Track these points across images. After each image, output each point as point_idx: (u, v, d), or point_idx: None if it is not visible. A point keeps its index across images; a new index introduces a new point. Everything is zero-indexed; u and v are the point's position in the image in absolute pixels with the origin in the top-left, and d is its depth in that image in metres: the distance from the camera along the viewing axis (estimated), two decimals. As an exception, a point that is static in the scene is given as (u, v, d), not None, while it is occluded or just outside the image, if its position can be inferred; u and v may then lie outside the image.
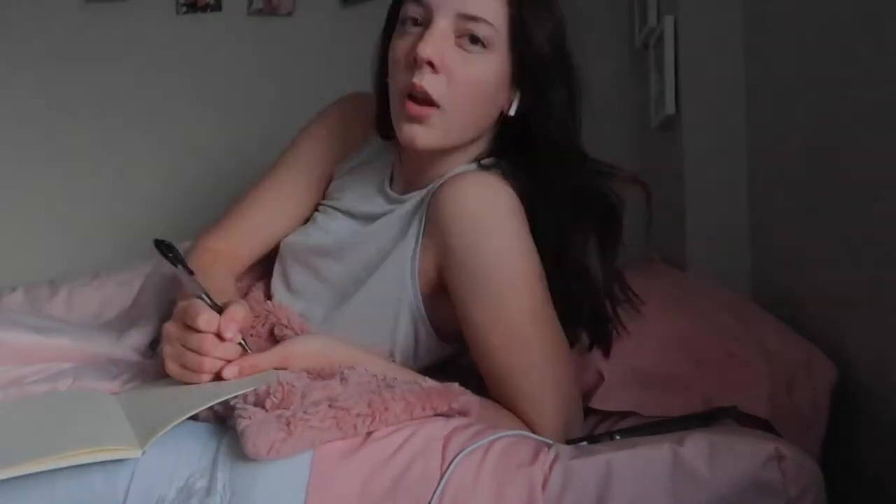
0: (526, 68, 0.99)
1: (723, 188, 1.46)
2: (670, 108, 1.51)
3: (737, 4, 1.45)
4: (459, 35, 0.95)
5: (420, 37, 0.95)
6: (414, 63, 0.95)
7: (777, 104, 1.33)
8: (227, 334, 0.84)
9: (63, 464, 0.72)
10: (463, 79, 0.96)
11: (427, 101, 0.96)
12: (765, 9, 1.37)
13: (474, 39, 0.95)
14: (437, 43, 0.94)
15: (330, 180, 1.17)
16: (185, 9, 1.95)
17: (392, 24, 1.02)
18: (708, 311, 1.13)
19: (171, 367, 0.86)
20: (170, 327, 0.87)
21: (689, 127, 1.48)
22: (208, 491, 0.73)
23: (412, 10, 0.97)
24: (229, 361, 0.86)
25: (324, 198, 1.16)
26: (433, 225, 0.98)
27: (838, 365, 1.03)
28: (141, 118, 1.95)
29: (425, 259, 0.99)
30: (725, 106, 1.46)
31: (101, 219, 1.94)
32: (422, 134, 0.98)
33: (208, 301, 0.87)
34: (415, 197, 1.04)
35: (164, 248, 0.88)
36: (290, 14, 1.93)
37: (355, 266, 1.05)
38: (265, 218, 1.15)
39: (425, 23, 0.96)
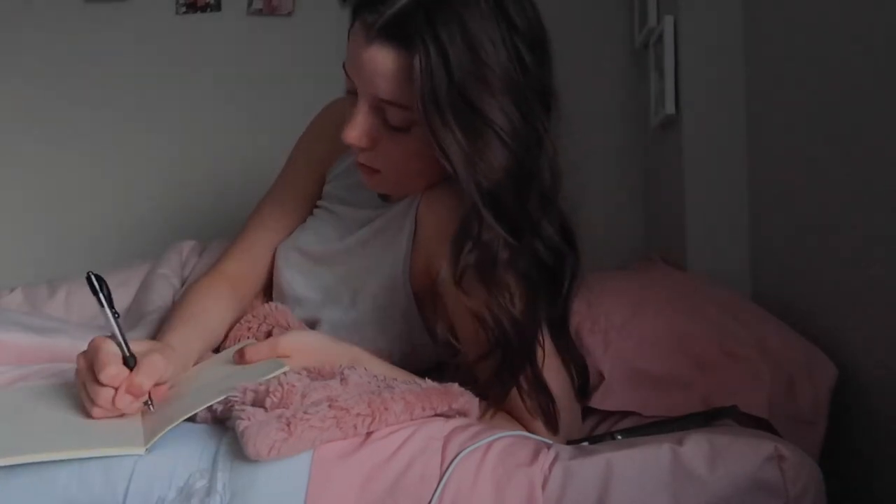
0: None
1: (723, 188, 1.46)
2: (670, 108, 1.51)
3: (737, 4, 1.45)
4: (381, 116, 0.93)
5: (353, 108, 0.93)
6: None
7: (777, 104, 1.33)
8: (119, 405, 0.78)
9: (66, 456, 0.72)
10: (393, 156, 0.95)
11: (369, 169, 0.97)
12: (765, 9, 1.37)
13: (391, 124, 0.93)
14: (361, 126, 0.93)
15: (323, 184, 1.17)
16: (185, 9, 1.95)
17: None
18: (708, 311, 1.13)
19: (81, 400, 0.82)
20: (79, 361, 0.82)
21: (689, 127, 1.48)
22: (208, 491, 0.73)
23: (347, 82, 0.94)
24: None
25: (319, 198, 1.17)
26: (423, 227, 0.98)
27: (838, 365, 1.03)
28: (140, 118, 1.95)
29: (417, 262, 0.99)
30: (725, 106, 1.46)
31: (100, 219, 1.95)
32: (377, 185, 1.01)
33: (125, 350, 0.81)
34: (404, 199, 1.03)
35: (97, 283, 0.83)
36: (290, 14, 1.93)
37: (349, 270, 1.05)
38: (274, 240, 1.15)
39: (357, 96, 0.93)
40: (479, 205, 0.86)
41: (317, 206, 1.16)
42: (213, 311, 1.05)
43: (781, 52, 1.30)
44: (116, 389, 0.78)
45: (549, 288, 0.93)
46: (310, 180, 1.17)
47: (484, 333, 0.89)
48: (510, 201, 0.87)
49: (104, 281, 0.83)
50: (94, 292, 0.82)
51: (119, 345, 0.81)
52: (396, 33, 0.87)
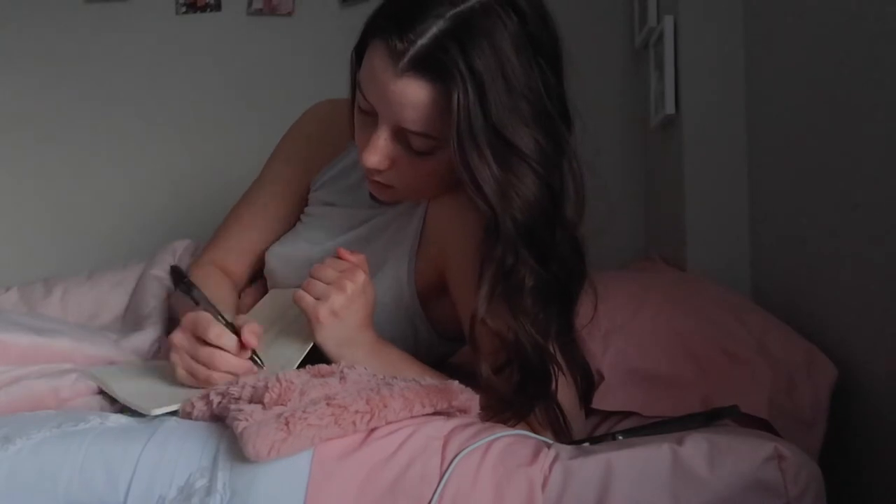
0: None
1: (723, 188, 1.46)
2: (670, 108, 1.51)
3: (737, 4, 1.45)
4: (403, 141, 0.91)
5: (372, 129, 0.91)
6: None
7: (777, 104, 1.33)
8: (251, 342, 0.85)
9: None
10: (412, 175, 0.94)
11: (383, 185, 0.96)
12: (765, 9, 1.37)
13: (414, 149, 0.91)
14: (381, 151, 0.91)
15: (308, 190, 1.16)
16: (185, 9, 1.95)
17: (363, 50, 0.93)
18: (708, 311, 1.13)
19: (181, 375, 0.86)
20: (177, 338, 0.86)
21: (688, 127, 1.48)
22: (208, 490, 0.73)
23: (363, 102, 0.92)
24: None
25: (306, 204, 1.16)
26: (434, 230, 0.98)
27: (838, 365, 1.03)
28: (140, 118, 1.95)
29: (424, 263, 1.00)
30: (725, 106, 1.46)
31: (98, 218, 1.95)
32: (388, 197, 1.00)
33: (222, 319, 0.87)
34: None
35: (178, 275, 0.91)
36: (290, 14, 1.94)
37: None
38: (257, 239, 1.14)
39: (374, 119, 0.91)
40: (513, 238, 0.85)
41: (304, 214, 1.15)
42: (224, 291, 1.07)
43: (781, 51, 1.30)
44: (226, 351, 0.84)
45: (561, 305, 0.93)
46: (293, 183, 1.16)
47: (503, 349, 0.89)
48: (542, 232, 0.87)
49: (182, 272, 0.93)
50: (177, 284, 0.92)
51: (217, 318, 0.87)
52: (430, 67, 0.84)
